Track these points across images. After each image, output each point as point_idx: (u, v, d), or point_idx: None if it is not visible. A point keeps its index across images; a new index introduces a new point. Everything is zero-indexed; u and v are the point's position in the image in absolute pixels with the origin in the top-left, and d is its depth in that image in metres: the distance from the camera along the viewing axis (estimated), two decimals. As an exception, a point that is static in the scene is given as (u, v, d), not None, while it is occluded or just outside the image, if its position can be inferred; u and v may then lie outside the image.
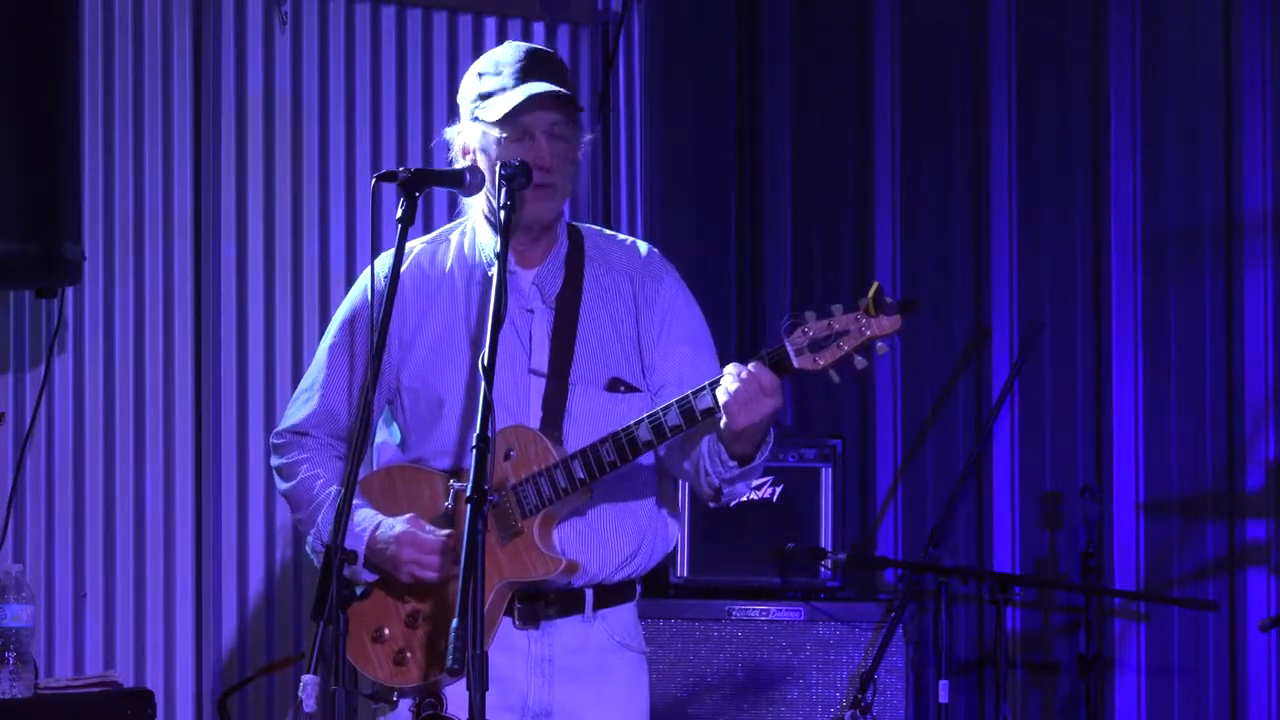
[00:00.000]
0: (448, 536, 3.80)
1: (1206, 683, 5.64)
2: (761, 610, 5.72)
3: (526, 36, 6.20)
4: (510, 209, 3.70)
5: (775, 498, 5.85)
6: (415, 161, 5.95)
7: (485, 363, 3.52)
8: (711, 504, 3.91)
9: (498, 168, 3.74)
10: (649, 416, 3.74)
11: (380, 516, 3.87)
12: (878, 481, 6.36)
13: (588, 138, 4.00)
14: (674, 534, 4.05)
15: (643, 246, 4.08)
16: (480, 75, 3.96)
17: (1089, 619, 5.56)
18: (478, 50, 6.15)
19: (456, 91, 6.33)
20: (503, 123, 3.88)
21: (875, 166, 6.43)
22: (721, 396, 3.65)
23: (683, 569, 5.83)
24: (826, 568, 5.78)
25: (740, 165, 6.77)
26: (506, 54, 3.97)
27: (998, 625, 5.55)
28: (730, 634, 5.72)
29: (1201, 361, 5.69)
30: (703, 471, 3.83)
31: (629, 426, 3.74)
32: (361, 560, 3.83)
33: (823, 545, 5.80)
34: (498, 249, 3.70)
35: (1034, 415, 6.01)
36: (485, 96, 3.93)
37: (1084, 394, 5.92)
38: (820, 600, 5.75)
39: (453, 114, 6.08)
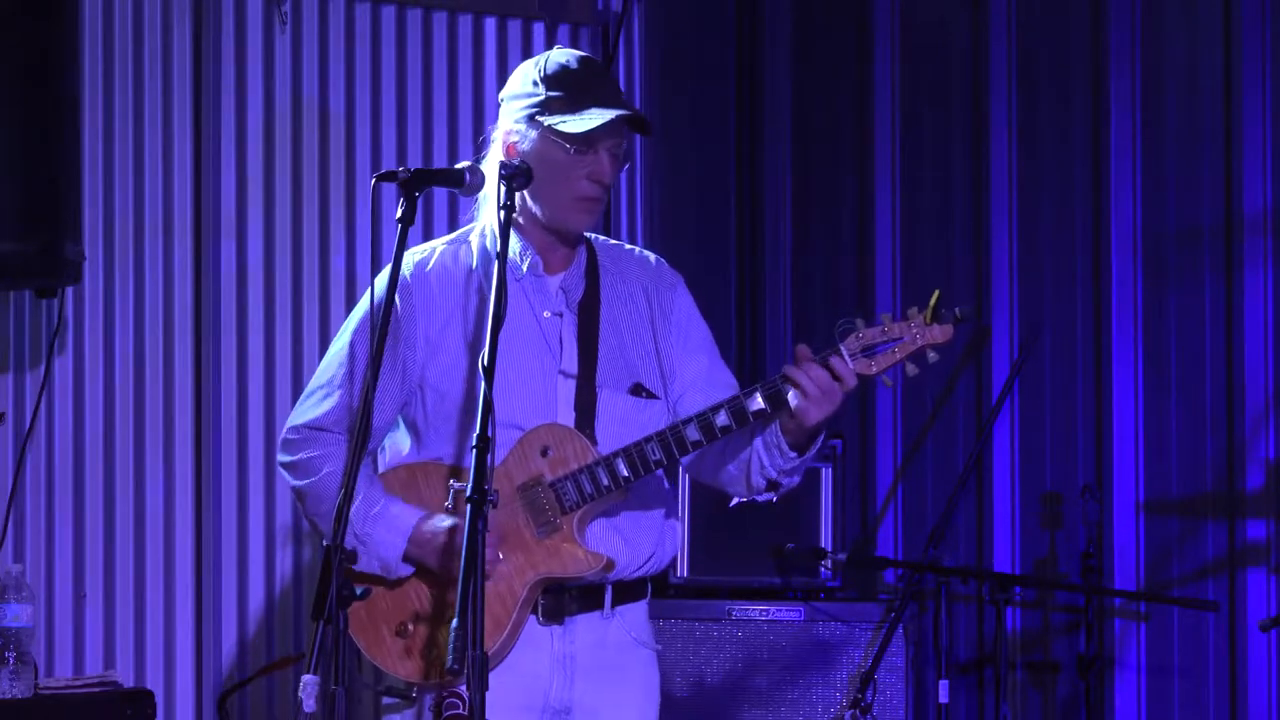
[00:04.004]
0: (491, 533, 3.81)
1: (1206, 683, 5.64)
2: (761, 610, 5.72)
3: (526, 36, 6.20)
4: (510, 209, 3.70)
5: (775, 498, 5.84)
6: (415, 161, 5.94)
7: (485, 363, 3.52)
8: (759, 498, 3.99)
9: (498, 167, 3.74)
10: (698, 416, 3.80)
11: (424, 509, 3.87)
12: (878, 481, 6.36)
13: None
14: (679, 537, 4.13)
15: (650, 257, 4.14)
16: (543, 80, 3.91)
17: (1089, 619, 5.55)
18: (478, 50, 6.15)
19: (456, 91, 6.32)
20: (576, 137, 3.87)
21: (875, 166, 6.43)
22: (793, 399, 3.73)
23: (683, 569, 5.82)
24: (826, 568, 5.78)
25: (740, 165, 6.77)
26: (573, 63, 3.93)
27: (998, 625, 5.55)
28: (730, 634, 5.72)
29: (1201, 362, 5.68)
30: (756, 466, 3.90)
31: (675, 425, 3.81)
32: (402, 552, 3.84)
33: (823, 545, 5.79)
34: (520, 250, 3.89)
35: (1034, 415, 6.00)
36: (551, 104, 3.88)
37: (1084, 394, 5.92)
38: (820, 600, 5.74)
39: (453, 113, 6.13)
